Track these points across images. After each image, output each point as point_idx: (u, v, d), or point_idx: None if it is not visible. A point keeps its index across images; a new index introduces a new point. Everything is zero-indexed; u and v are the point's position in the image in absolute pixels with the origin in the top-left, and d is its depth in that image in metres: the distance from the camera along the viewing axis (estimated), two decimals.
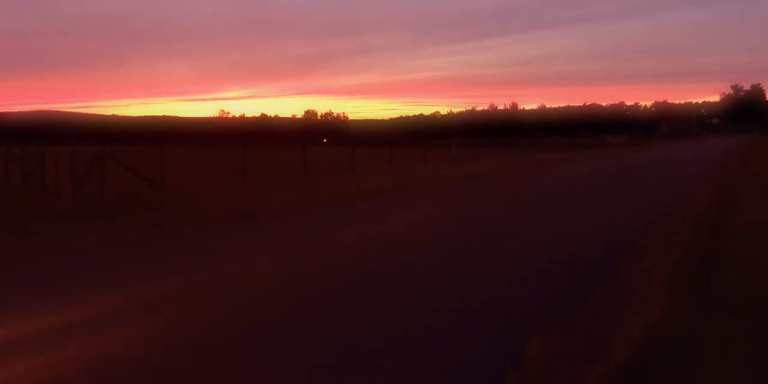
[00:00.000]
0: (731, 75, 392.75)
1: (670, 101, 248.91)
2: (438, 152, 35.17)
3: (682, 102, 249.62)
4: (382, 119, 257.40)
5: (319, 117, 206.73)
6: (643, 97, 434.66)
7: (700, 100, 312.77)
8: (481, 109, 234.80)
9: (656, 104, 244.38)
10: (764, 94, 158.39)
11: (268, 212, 12.10)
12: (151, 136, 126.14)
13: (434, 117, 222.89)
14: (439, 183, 18.93)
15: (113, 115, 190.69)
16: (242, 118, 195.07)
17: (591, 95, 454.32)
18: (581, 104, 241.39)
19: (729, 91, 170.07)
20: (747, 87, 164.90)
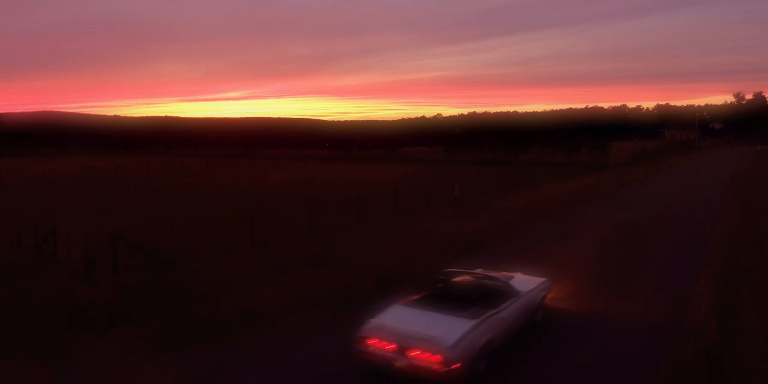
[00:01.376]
0: (734, 75, 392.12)
1: (672, 103, 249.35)
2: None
3: (684, 104, 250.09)
4: (384, 120, 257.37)
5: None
6: (645, 96, 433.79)
7: (703, 103, 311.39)
8: (483, 111, 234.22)
9: (658, 107, 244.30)
10: (767, 102, 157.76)
11: None
12: (154, 139, 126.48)
13: (436, 119, 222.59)
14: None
15: (115, 116, 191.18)
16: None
17: (594, 95, 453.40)
18: (583, 106, 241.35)
19: (731, 92, 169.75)
20: (750, 92, 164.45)
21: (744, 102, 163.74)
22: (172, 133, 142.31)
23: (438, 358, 7.48)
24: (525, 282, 10.30)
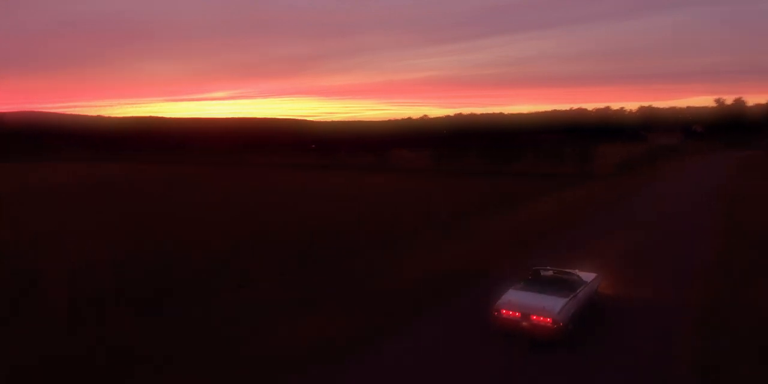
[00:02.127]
0: (715, 76, 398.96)
1: (655, 105, 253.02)
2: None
3: (667, 106, 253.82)
4: (371, 121, 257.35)
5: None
6: (629, 97, 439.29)
7: (684, 104, 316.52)
8: (469, 112, 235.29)
9: (641, 109, 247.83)
10: (752, 106, 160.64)
11: None
12: (139, 141, 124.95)
13: (423, 120, 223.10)
14: None
15: (98, 116, 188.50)
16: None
17: (579, 96, 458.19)
18: (568, 108, 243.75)
19: (712, 93, 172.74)
20: (730, 93, 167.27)
21: (725, 106, 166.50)
22: (156, 134, 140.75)
23: (549, 320, 12.28)
24: (585, 276, 14.85)
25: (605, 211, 32.17)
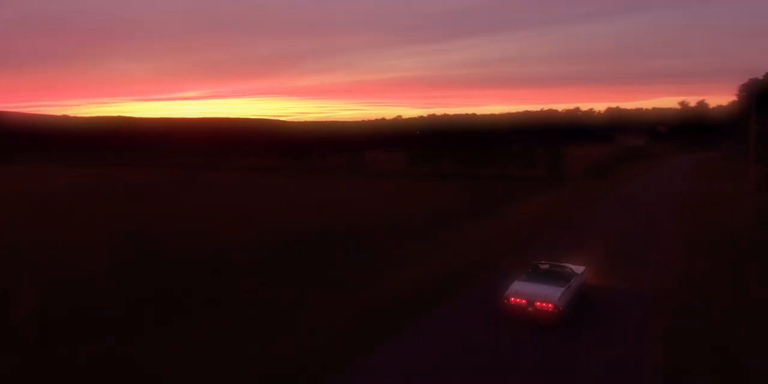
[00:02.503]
0: (680, 77, 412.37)
1: (622, 107, 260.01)
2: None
3: (634, 108, 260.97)
4: (345, 121, 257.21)
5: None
6: (598, 98, 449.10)
7: (650, 106, 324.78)
8: (442, 112, 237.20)
9: (609, 110, 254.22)
10: (714, 108, 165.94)
11: None
12: (107, 142, 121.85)
13: (397, 121, 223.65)
14: None
15: (64, 116, 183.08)
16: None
17: (549, 97, 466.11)
18: (539, 109, 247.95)
19: (677, 94, 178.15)
20: (694, 94, 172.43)
21: (688, 108, 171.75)
22: (126, 135, 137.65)
23: (551, 306, 14.88)
24: (576, 268, 17.56)
25: (576, 218, 32.99)
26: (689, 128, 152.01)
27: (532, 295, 15.21)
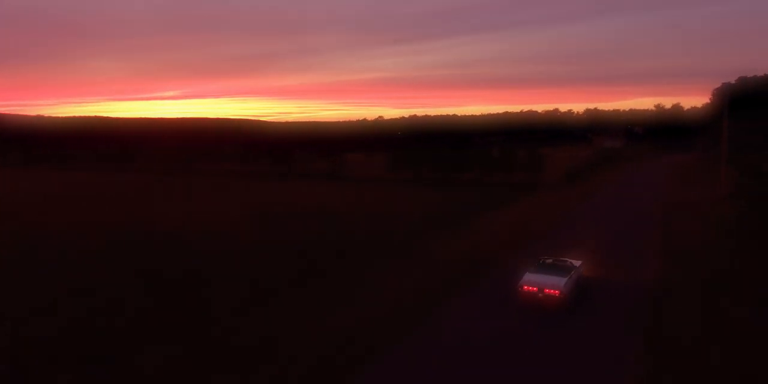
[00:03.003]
0: (656, 79, 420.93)
1: (600, 108, 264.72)
2: None
3: (611, 109, 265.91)
4: (326, 121, 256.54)
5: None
6: (576, 98, 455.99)
7: (627, 107, 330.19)
8: (423, 113, 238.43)
9: (587, 111, 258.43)
10: (688, 109, 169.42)
11: None
12: (82, 143, 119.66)
13: (378, 122, 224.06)
14: None
15: (38, 116, 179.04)
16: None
17: (529, 97, 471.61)
18: (519, 110, 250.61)
19: (654, 94, 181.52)
20: (670, 95, 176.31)
21: (663, 109, 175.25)
22: (101, 136, 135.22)
23: (557, 292, 17.68)
24: (575, 262, 20.62)
25: (553, 228, 33.53)
26: (664, 130, 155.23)
27: (541, 283, 18.20)
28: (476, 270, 22.74)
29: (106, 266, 24.12)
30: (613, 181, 60.11)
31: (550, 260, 20.30)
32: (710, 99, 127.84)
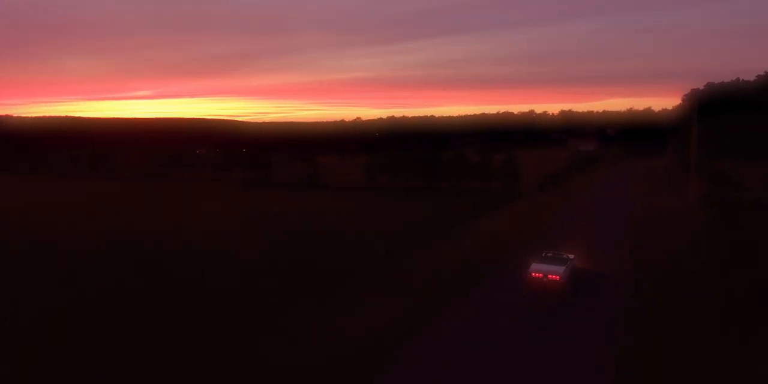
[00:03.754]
0: (629, 80, 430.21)
1: (574, 110, 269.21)
2: None
3: (585, 111, 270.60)
4: (304, 122, 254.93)
5: None
6: (552, 99, 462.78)
7: (601, 108, 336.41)
8: (401, 115, 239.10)
9: (562, 113, 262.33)
10: (659, 112, 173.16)
11: None
12: (54, 145, 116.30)
13: (356, 123, 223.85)
14: None
15: (7, 116, 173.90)
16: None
17: (506, 98, 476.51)
18: (495, 112, 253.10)
19: (626, 95, 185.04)
20: (643, 95, 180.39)
21: (636, 112, 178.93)
22: (73, 136, 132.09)
23: (558, 277, 22.35)
24: (569, 255, 25.14)
25: (529, 240, 34.15)
26: (637, 132, 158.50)
27: (546, 271, 22.88)
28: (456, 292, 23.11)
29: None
30: (587, 189, 61.07)
31: (550, 253, 25.31)
32: (681, 101, 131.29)
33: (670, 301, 21.21)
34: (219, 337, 17.92)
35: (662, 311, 20.17)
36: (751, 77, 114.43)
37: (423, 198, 54.66)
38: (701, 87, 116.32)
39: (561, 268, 22.88)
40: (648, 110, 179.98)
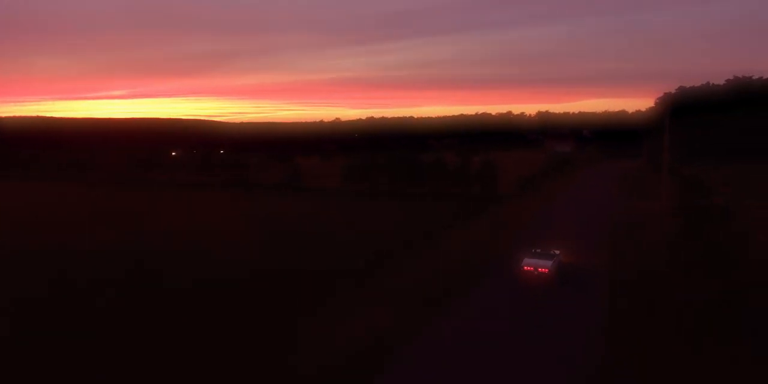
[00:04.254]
0: (604, 81, 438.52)
1: (551, 111, 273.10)
2: None
3: (561, 112, 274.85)
4: (283, 122, 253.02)
5: None
6: (529, 99, 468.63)
7: (577, 109, 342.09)
8: (381, 115, 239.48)
9: (539, 114, 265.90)
10: (633, 113, 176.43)
11: None
12: (23, 148, 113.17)
13: (335, 124, 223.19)
14: None
15: None
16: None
17: (484, 98, 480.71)
18: (474, 113, 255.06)
19: (602, 96, 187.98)
20: (618, 96, 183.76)
21: (611, 113, 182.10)
22: (45, 137, 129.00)
23: (546, 270, 26.60)
24: (556, 251, 28.88)
25: (507, 249, 34.67)
26: (612, 133, 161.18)
27: (536, 264, 26.77)
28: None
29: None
30: (563, 193, 61.96)
31: (539, 250, 29.15)
32: (654, 104, 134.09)
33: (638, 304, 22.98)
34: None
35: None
36: (721, 81, 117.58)
37: (401, 202, 54.90)
38: (673, 91, 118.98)
39: (549, 262, 26.72)
40: (622, 112, 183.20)
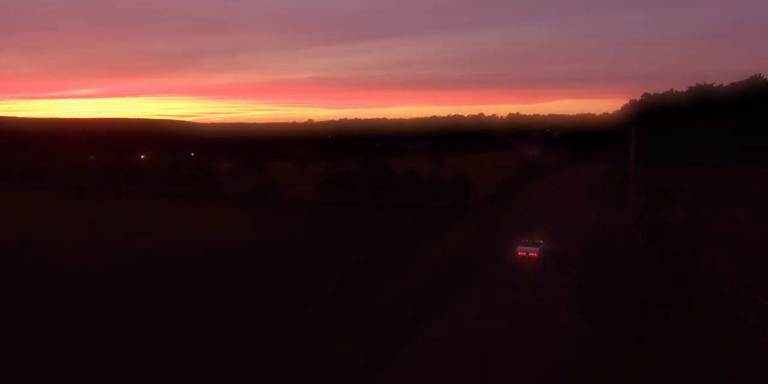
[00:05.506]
0: (574, 82, 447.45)
1: (522, 113, 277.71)
2: None
3: (532, 114, 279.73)
4: (254, 123, 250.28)
5: None
6: (500, 100, 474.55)
7: (547, 111, 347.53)
8: (354, 116, 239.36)
9: (510, 116, 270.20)
10: (600, 116, 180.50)
11: None
12: None
13: (308, 125, 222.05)
14: None
15: None
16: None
17: (456, 99, 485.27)
18: (446, 115, 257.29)
19: (571, 97, 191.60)
20: (587, 97, 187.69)
21: (579, 116, 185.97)
22: (3, 139, 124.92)
23: (536, 254, 36.97)
24: (540, 240, 39.00)
25: (482, 263, 35.70)
26: (580, 135, 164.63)
27: (527, 250, 36.16)
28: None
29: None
30: (533, 203, 63.15)
31: (527, 240, 38.16)
32: (621, 109, 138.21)
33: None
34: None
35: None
36: (684, 88, 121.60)
37: (375, 214, 55.12)
38: (638, 98, 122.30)
39: (536, 249, 36.20)
40: (590, 115, 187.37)
